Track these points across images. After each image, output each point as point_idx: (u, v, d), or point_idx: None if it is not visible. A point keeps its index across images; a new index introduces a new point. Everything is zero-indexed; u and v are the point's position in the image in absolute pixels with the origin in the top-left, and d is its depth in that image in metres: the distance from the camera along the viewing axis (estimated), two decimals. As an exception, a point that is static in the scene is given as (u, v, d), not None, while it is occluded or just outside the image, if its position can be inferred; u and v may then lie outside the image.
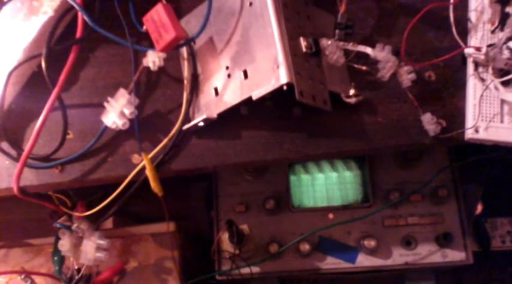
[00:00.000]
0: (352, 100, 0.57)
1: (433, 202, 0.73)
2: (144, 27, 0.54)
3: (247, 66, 0.54)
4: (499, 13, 0.59)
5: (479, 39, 0.58)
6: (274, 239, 0.71)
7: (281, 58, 0.51)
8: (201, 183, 0.80)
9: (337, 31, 0.57)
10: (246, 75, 0.54)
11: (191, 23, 0.60)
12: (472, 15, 0.59)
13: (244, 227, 0.66)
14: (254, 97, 0.52)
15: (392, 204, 0.72)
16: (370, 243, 0.70)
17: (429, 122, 0.57)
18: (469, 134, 0.56)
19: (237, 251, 0.66)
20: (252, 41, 0.54)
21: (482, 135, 0.56)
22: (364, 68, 0.57)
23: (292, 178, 0.74)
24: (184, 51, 0.59)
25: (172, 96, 0.59)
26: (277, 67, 0.51)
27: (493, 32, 0.58)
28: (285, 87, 0.51)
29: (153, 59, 0.55)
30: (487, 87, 0.57)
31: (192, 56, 0.59)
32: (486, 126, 0.56)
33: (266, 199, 0.71)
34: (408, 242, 0.71)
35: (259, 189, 0.74)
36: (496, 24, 0.58)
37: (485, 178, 0.86)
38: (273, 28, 0.52)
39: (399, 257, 0.71)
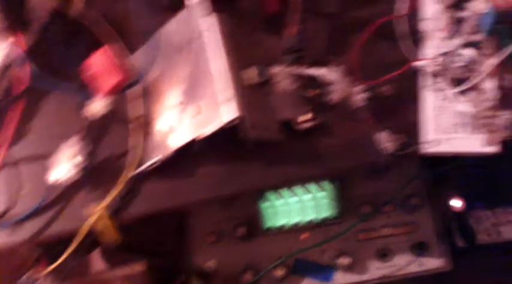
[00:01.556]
0: (307, 125, 0.56)
1: (406, 211, 0.72)
2: (87, 73, 0.53)
3: (199, 101, 0.53)
4: (452, 20, 0.58)
5: (433, 48, 0.57)
6: (248, 266, 0.70)
7: (230, 91, 0.50)
8: (172, 216, 0.79)
9: (287, 56, 0.56)
10: (198, 111, 0.53)
11: (141, 59, 0.59)
12: (425, 24, 0.58)
13: (211, 263, 0.65)
14: (206, 133, 0.52)
15: (365, 218, 0.71)
16: (345, 260, 0.69)
17: (386, 139, 0.56)
18: (428, 147, 0.55)
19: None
20: (203, 74, 0.53)
21: (440, 147, 0.55)
22: (316, 92, 0.56)
23: (263, 199, 0.73)
24: (135, 90, 0.58)
25: (123, 139, 0.57)
26: (227, 101, 0.50)
27: (446, 39, 0.57)
28: (235, 122, 0.50)
29: (99, 105, 0.54)
30: (441, 98, 0.56)
31: (144, 94, 0.57)
32: (444, 137, 0.55)
33: (237, 226, 0.71)
34: (384, 255, 0.70)
35: (229, 215, 0.73)
36: (449, 31, 0.57)
37: (464, 175, 0.86)
38: (220, 60, 0.51)
39: (376, 270, 0.70)
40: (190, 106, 0.54)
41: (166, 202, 0.56)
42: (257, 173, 0.56)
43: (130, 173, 0.55)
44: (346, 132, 0.57)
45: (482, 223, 1.01)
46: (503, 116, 0.52)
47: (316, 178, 0.58)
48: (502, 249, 0.98)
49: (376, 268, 0.70)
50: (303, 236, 0.72)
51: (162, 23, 0.57)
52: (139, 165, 0.56)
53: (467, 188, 0.90)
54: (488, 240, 1.00)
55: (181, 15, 0.55)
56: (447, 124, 0.56)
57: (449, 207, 0.91)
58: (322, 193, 0.74)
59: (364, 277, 0.70)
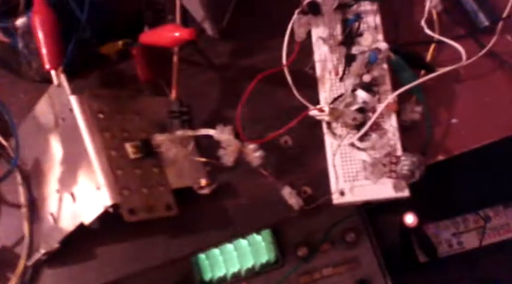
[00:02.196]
0: (207, 190, 0.53)
1: (345, 248, 0.69)
2: None
3: (73, 189, 0.50)
4: (342, 59, 0.53)
5: (328, 92, 0.53)
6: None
7: (101, 177, 0.46)
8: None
9: (172, 121, 0.52)
10: (73, 199, 0.50)
11: (18, 141, 0.55)
12: (317, 67, 0.54)
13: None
14: (86, 223, 0.48)
15: (304, 261, 0.68)
16: (287, 309, 0.67)
17: (290, 195, 0.52)
18: (336, 199, 0.52)
19: None
20: (73, 160, 0.50)
21: (348, 197, 0.52)
22: (205, 159, 0.52)
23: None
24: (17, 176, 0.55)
25: (16, 227, 0.54)
26: (99, 188, 0.47)
27: (339, 81, 0.54)
28: (111, 210, 0.46)
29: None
30: (343, 145, 0.52)
31: (25, 180, 0.54)
32: (350, 186, 0.52)
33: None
34: (327, 297, 0.68)
35: (163, 276, 0.70)
36: (341, 72, 0.53)
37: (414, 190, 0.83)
38: (86, 144, 0.47)
39: (320, 315, 0.67)
40: (65, 194, 0.50)
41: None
42: (162, 246, 0.53)
43: (23, 265, 0.52)
44: (251, 191, 0.54)
45: (442, 234, 0.98)
46: (405, 162, 0.49)
47: (228, 240, 0.55)
48: (465, 260, 0.95)
49: (320, 313, 0.67)
50: (243, 287, 0.69)
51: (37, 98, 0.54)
52: (34, 252, 0.52)
53: (421, 202, 0.87)
54: (450, 251, 0.97)
55: (49, 94, 0.52)
56: (352, 172, 0.52)
57: (405, 224, 0.88)
58: (259, 237, 0.71)
59: (308, 324, 0.67)
